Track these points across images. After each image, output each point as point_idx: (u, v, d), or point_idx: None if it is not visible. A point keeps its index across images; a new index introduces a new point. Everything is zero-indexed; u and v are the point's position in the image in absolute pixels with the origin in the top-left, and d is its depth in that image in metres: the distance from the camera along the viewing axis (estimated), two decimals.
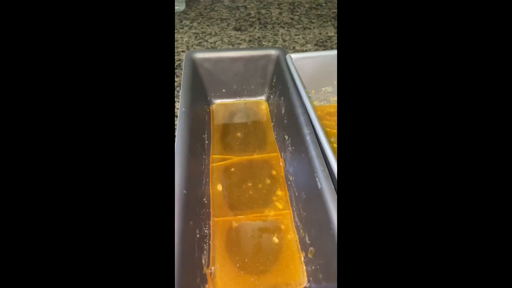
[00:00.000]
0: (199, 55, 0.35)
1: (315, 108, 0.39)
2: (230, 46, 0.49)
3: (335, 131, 0.36)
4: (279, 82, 0.35)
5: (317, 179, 0.23)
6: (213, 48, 0.48)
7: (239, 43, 0.49)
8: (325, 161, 0.24)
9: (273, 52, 0.36)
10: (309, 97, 0.31)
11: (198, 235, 0.24)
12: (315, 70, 0.35)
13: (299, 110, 0.28)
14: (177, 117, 0.37)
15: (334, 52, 0.35)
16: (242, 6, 0.60)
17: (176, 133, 0.25)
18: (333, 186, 0.22)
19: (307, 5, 0.61)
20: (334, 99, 0.39)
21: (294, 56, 0.34)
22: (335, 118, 0.38)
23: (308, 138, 0.26)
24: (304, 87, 0.30)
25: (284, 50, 0.36)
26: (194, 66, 0.34)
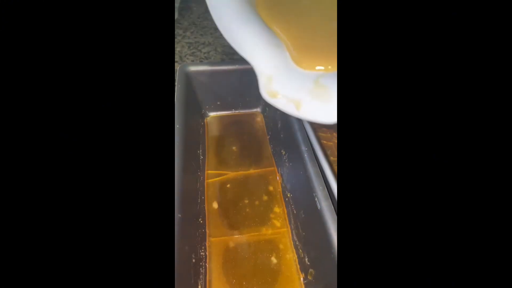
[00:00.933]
0: (193, 68, 0.34)
1: (311, 121, 0.38)
2: (224, 56, 0.48)
3: (331, 143, 0.36)
4: None
5: (316, 199, 0.22)
6: (207, 58, 0.47)
7: (233, 53, 0.49)
8: (324, 180, 0.23)
9: None
10: None
11: (193, 260, 0.23)
12: None
13: (296, 126, 0.28)
14: None
15: None
16: None
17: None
18: (333, 207, 0.21)
19: None
20: None
21: None
22: (331, 130, 0.37)
23: (306, 155, 0.25)
24: None
25: None
26: (188, 79, 0.33)
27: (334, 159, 0.34)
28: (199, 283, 0.23)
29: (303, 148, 0.26)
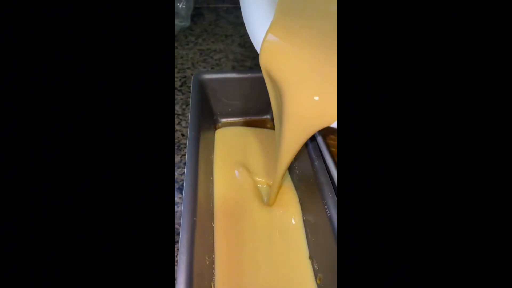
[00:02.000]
0: (207, 76, 0.35)
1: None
2: (235, 63, 0.49)
3: None
4: None
5: (325, 206, 0.23)
6: (218, 65, 0.49)
7: (244, 60, 0.50)
8: (333, 187, 0.24)
9: None
10: None
11: (207, 262, 0.24)
12: None
13: None
14: (183, 135, 0.37)
15: None
16: None
17: (186, 159, 0.26)
18: None
19: None
20: None
21: None
22: None
23: (316, 163, 0.26)
24: None
25: None
26: (202, 87, 0.35)
27: None
28: (212, 285, 0.24)
29: (314, 156, 0.27)
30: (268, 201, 0.29)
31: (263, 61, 0.21)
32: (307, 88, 0.19)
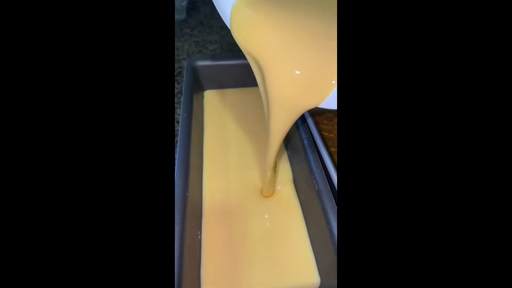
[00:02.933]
0: (200, 62, 0.36)
1: (313, 112, 0.40)
2: (230, 53, 0.50)
3: (332, 135, 0.37)
4: None
5: (314, 181, 0.24)
6: (213, 56, 0.49)
7: (239, 50, 0.50)
8: (322, 164, 0.25)
9: None
10: None
11: (199, 236, 0.24)
12: None
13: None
14: (178, 123, 0.38)
15: None
16: None
17: (177, 141, 0.26)
18: (329, 188, 0.23)
19: None
20: None
21: None
22: (333, 123, 0.39)
23: (305, 142, 0.27)
24: None
25: None
26: (195, 73, 0.35)
27: (334, 149, 0.35)
28: (200, 259, 0.24)
29: (304, 135, 0.27)
30: (263, 191, 0.29)
31: (236, 37, 0.19)
32: (287, 63, 0.17)
